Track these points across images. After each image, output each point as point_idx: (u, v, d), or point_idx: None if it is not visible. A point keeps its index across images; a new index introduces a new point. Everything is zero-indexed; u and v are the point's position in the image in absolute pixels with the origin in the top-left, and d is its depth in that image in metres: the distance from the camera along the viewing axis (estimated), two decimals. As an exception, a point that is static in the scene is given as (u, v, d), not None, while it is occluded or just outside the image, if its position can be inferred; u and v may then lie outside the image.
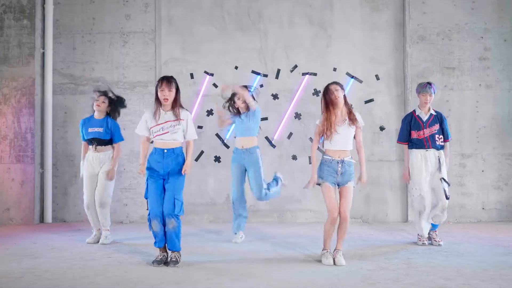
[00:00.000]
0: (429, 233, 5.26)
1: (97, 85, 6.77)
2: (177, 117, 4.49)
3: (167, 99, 4.45)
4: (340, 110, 4.49)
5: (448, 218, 6.03)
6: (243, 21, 7.07)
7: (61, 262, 4.50)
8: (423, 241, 5.22)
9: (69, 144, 7.07)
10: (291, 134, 6.93)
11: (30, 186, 6.84)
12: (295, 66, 6.97)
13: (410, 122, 5.31)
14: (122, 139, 5.60)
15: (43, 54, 6.99)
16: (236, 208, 5.53)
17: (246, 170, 5.52)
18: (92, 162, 5.48)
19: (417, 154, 5.23)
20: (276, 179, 5.70)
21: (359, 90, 6.87)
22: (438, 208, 5.15)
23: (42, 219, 6.96)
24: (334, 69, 6.91)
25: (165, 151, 4.47)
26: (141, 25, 7.06)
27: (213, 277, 4.01)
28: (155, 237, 4.47)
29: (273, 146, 6.92)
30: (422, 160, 5.20)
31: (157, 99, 4.53)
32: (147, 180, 4.51)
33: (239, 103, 5.58)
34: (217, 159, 6.94)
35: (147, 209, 4.48)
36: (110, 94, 5.65)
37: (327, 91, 4.52)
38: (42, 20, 7.01)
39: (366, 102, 6.82)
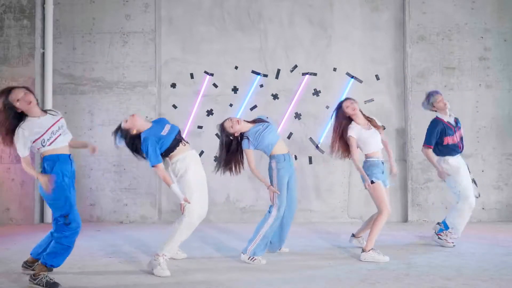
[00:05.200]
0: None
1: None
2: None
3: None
4: (361, 120, 4.79)
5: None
6: (243, 21, 7.07)
7: (61, 262, 4.50)
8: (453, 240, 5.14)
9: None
10: (291, 134, 6.93)
11: (30, 186, 6.84)
12: (295, 66, 6.98)
13: (443, 130, 5.09)
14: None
15: (43, 54, 6.99)
16: (285, 221, 4.85)
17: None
18: (196, 163, 4.57)
19: (456, 160, 5.11)
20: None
21: (359, 90, 6.86)
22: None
23: (42, 219, 6.95)
24: (334, 69, 6.92)
25: None
26: (141, 25, 7.06)
27: (213, 277, 4.02)
28: None
29: (273, 146, 6.91)
30: (461, 164, 5.11)
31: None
32: None
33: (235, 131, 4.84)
34: (217, 159, 6.92)
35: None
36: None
37: (341, 109, 4.78)
38: (42, 20, 7.01)
39: (366, 102, 6.82)
